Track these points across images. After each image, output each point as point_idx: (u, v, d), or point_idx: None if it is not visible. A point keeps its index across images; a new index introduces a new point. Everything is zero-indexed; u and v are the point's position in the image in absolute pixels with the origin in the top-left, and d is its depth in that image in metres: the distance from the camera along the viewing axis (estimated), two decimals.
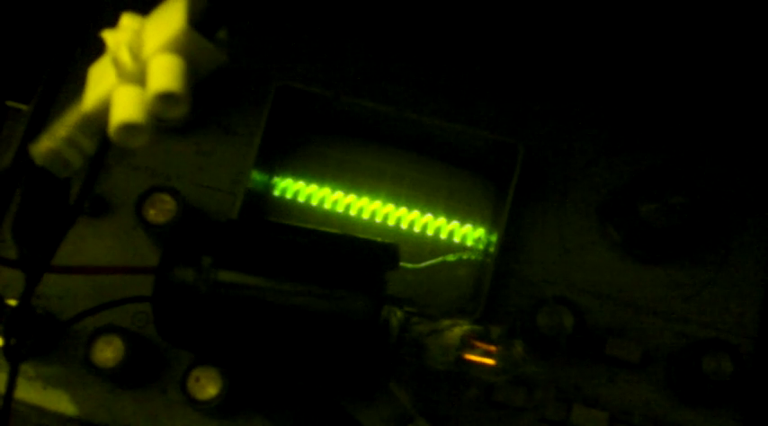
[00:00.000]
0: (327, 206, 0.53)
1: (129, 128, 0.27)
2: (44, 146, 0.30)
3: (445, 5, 0.55)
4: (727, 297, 0.49)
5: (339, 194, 0.53)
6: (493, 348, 0.42)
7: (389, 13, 0.54)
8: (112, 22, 0.32)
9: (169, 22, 0.27)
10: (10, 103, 0.56)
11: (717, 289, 0.50)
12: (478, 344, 0.42)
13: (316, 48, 0.54)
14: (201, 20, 0.27)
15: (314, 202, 0.53)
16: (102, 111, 0.28)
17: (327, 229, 0.44)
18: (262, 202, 0.53)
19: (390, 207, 0.53)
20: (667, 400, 0.48)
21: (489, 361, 0.42)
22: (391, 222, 0.53)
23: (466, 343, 0.42)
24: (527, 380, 0.45)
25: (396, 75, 0.53)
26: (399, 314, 0.42)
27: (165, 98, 0.26)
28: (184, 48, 0.27)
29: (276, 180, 0.53)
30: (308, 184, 0.53)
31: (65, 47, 0.54)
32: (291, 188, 0.53)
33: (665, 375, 0.48)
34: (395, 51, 0.54)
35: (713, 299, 0.49)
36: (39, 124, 0.52)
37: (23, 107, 0.55)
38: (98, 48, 0.53)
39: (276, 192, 0.53)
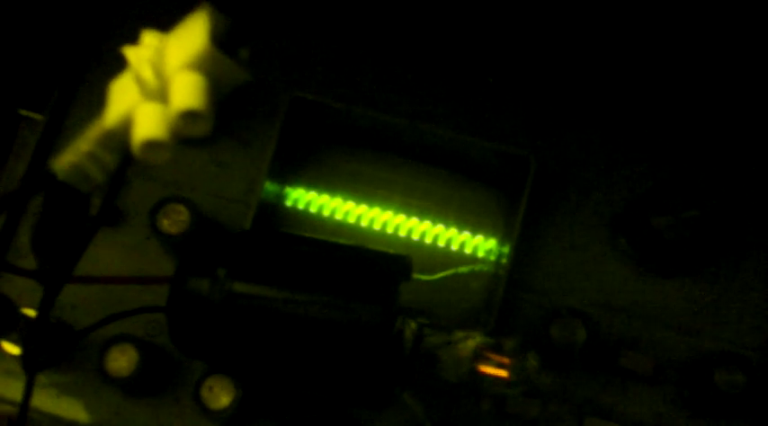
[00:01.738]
0: (339, 216, 0.53)
1: (152, 145, 0.27)
2: (66, 161, 0.30)
3: (457, 17, 0.55)
4: (740, 310, 0.49)
5: (351, 204, 0.53)
6: (506, 360, 0.42)
7: (402, 25, 0.55)
8: (127, 33, 0.32)
9: (192, 39, 0.27)
10: (23, 112, 0.56)
11: (729, 302, 0.50)
12: (492, 356, 0.42)
13: (329, 59, 0.54)
14: (224, 38, 0.28)
15: (325, 213, 0.53)
16: (125, 128, 0.28)
17: (341, 240, 0.44)
18: (274, 212, 0.53)
19: (402, 217, 0.53)
20: (680, 412, 0.48)
21: (503, 373, 0.42)
22: (402, 233, 0.53)
23: (479, 355, 0.42)
24: (540, 392, 0.46)
25: (408, 87, 0.53)
26: (413, 325, 0.42)
27: (188, 116, 0.27)
28: (207, 66, 0.27)
29: (288, 190, 0.53)
30: (319, 195, 0.53)
31: (79, 56, 0.54)
32: (303, 198, 0.53)
33: (677, 387, 0.48)
34: (407, 63, 0.54)
35: (725, 312, 0.49)
36: (53, 134, 0.53)
37: (37, 116, 0.55)
38: (112, 59, 0.54)
39: (288, 203, 0.53)
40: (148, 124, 0.27)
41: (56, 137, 0.53)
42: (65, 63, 0.54)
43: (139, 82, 0.28)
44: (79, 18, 0.56)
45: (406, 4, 0.54)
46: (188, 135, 0.27)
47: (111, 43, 0.54)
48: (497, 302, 0.48)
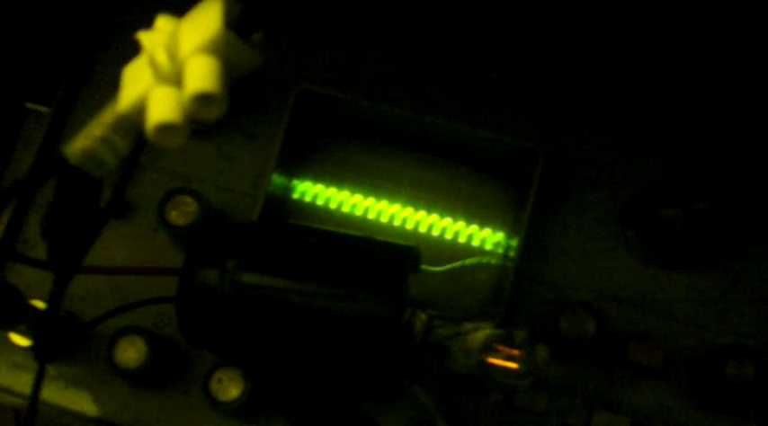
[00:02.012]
0: (346, 209, 0.53)
1: (166, 128, 0.27)
2: (79, 145, 0.30)
3: (465, 11, 0.55)
4: (749, 303, 0.49)
5: (358, 197, 0.53)
6: (516, 352, 0.42)
7: (409, 18, 0.54)
8: (135, 24, 0.32)
9: (205, 23, 0.27)
10: (30, 105, 0.56)
11: (738, 295, 0.49)
12: (501, 348, 0.42)
13: (336, 52, 0.54)
14: (237, 22, 0.28)
15: (332, 205, 0.53)
16: (138, 112, 0.28)
17: (350, 231, 0.44)
18: (281, 205, 0.53)
19: (409, 210, 0.53)
20: (689, 405, 0.48)
21: (512, 365, 0.42)
22: (410, 226, 0.53)
23: (489, 347, 0.42)
24: (549, 384, 0.45)
25: (415, 80, 0.53)
26: (423, 316, 0.42)
27: (203, 99, 0.27)
28: (221, 50, 0.27)
29: (295, 183, 0.53)
30: (326, 187, 0.53)
31: (86, 49, 0.54)
32: (310, 191, 0.53)
33: (686, 380, 0.48)
34: (414, 56, 0.54)
35: (735, 305, 0.49)
36: (59, 127, 0.53)
37: (44, 109, 0.55)
38: (119, 51, 0.54)
39: (295, 195, 0.53)
40: (162, 107, 0.27)
41: (62, 129, 0.53)
42: (71, 56, 0.54)
43: (153, 65, 0.28)
44: (85, 11, 0.56)
45: None
46: (202, 118, 0.27)
47: (118, 36, 0.54)
48: (506, 294, 0.48)
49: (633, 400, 0.48)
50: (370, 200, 0.53)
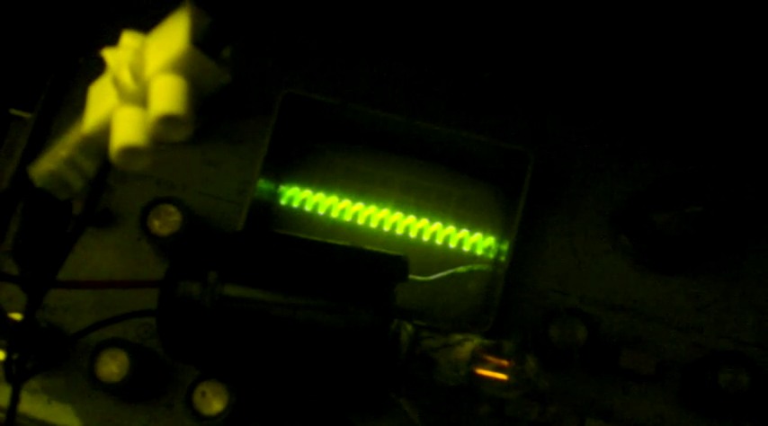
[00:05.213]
0: (335, 215, 0.52)
1: (130, 151, 0.26)
2: (44, 167, 0.29)
3: (454, 14, 0.54)
4: (743, 308, 0.49)
5: (346, 203, 0.52)
6: (505, 362, 0.42)
7: (397, 21, 0.54)
8: (117, 32, 0.31)
9: (171, 40, 0.26)
10: (14, 112, 0.55)
11: (732, 300, 0.49)
12: (490, 359, 0.42)
13: (322, 55, 0.53)
14: (205, 38, 0.26)
15: (321, 211, 0.52)
16: (103, 133, 0.27)
17: (335, 241, 0.43)
18: (268, 211, 0.52)
19: (399, 215, 0.52)
20: (682, 412, 0.47)
21: (501, 376, 0.42)
22: (399, 231, 0.52)
23: (477, 358, 0.42)
24: (540, 394, 0.45)
25: (404, 83, 0.53)
26: (409, 328, 0.41)
27: (168, 121, 0.26)
28: (187, 68, 0.26)
29: (282, 188, 0.53)
30: (314, 193, 0.53)
31: (69, 55, 0.53)
32: (298, 197, 0.53)
33: (680, 387, 0.48)
34: (403, 59, 0.53)
35: (729, 310, 0.49)
36: (42, 134, 0.52)
37: (28, 115, 0.54)
38: (101, 59, 0.53)
39: (282, 201, 0.53)
40: (126, 129, 0.26)
41: (45, 136, 0.52)
42: (56, 61, 0.53)
43: (117, 85, 0.27)
44: (69, 16, 0.55)
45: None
46: (168, 140, 0.26)
47: (102, 42, 0.53)
48: (495, 303, 0.47)
49: (625, 407, 0.47)
50: (359, 205, 0.52)
